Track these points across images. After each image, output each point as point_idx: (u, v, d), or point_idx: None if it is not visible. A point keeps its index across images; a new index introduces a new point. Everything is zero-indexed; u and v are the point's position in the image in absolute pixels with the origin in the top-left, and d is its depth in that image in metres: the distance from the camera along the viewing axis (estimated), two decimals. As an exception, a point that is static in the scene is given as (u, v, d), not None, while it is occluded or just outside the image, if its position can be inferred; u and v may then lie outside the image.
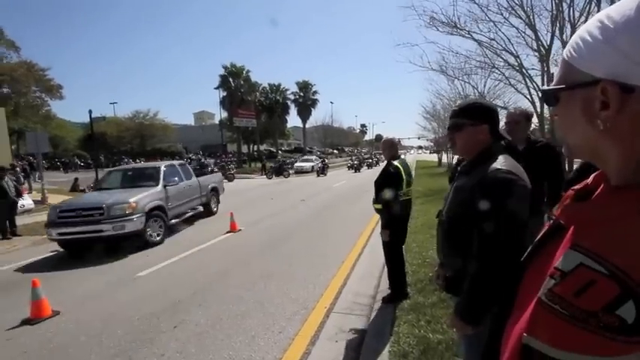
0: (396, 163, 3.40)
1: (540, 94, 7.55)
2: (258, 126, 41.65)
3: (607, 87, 0.44)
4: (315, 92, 49.04)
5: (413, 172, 3.62)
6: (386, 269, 3.70)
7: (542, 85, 7.55)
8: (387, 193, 3.37)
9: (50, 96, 32.08)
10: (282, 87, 47.23)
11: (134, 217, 6.05)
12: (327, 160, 27.90)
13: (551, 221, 0.58)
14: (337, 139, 62.74)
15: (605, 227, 0.45)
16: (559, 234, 0.53)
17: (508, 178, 1.29)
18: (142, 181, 7.35)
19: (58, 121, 37.57)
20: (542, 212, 2.61)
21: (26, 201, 10.49)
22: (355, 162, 27.19)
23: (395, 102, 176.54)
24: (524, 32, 7.54)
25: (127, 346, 3.02)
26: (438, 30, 8.09)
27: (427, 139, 36.45)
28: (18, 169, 13.95)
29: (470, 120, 1.44)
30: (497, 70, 8.91)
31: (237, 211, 7.85)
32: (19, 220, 8.54)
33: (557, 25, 6.95)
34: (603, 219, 0.46)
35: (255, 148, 45.81)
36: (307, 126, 51.59)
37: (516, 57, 7.85)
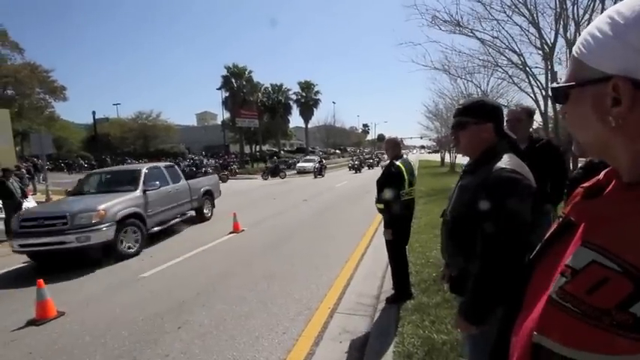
0: (398, 162, 3.39)
1: (544, 92, 7.51)
2: (261, 126, 41.71)
3: (618, 83, 0.43)
4: (317, 92, 49.06)
5: (416, 172, 3.60)
6: (389, 269, 3.69)
7: (547, 83, 7.51)
8: (387, 193, 3.36)
9: (54, 97, 32.34)
10: (284, 87, 47.29)
11: (102, 226, 5.44)
12: (324, 161, 26.89)
13: (560, 219, 0.57)
14: (339, 139, 62.71)
15: (617, 224, 0.45)
16: (569, 232, 0.52)
17: (513, 177, 1.28)
18: (120, 186, 6.73)
19: (61, 122, 37.82)
20: (547, 211, 2.59)
21: (30, 203, 10.56)
22: (356, 162, 26.58)
23: (397, 101, 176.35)
24: (527, 30, 7.50)
25: (132, 346, 3.03)
26: (440, 29, 8.06)
27: (430, 139, 36.30)
28: (23, 170, 14.05)
29: (474, 118, 1.43)
30: (500, 69, 8.87)
31: (239, 211, 7.85)
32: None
33: (561, 23, 6.90)
34: (615, 215, 0.46)
35: (258, 148, 45.88)
36: (309, 126, 51.60)
37: (520, 55, 7.81)
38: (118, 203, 5.92)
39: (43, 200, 12.05)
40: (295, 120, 53.25)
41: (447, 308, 3.05)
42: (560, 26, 6.95)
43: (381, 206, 3.41)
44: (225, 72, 39.76)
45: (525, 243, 1.30)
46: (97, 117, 18.23)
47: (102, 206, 5.63)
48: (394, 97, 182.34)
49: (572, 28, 6.82)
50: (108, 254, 5.51)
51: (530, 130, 3.03)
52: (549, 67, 7.33)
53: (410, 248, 3.98)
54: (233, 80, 40.16)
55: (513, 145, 1.46)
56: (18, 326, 3.49)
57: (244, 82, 40.80)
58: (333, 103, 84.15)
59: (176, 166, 8.51)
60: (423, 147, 75.57)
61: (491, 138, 1.43)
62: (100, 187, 7.14)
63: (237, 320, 3.41)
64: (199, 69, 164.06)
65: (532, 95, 8.06)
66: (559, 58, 7.45)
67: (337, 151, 58.14)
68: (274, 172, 22.79)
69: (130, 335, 3.22)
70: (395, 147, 3.50)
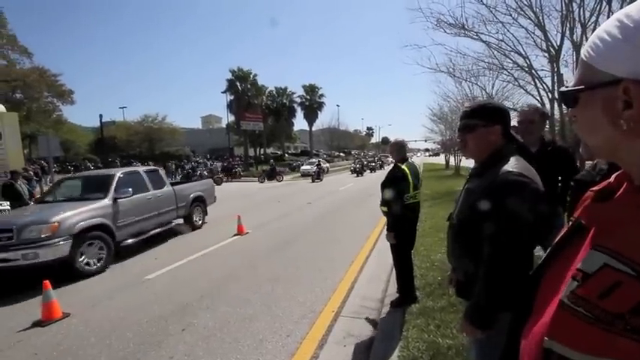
0: (403, 165, 3.37)
1: (550, 95, 7.46)
2: (265, 129, 41.92)
3: (629, 86, 0.43)
4: (321, 95, 49.27)
5: (421, 175, 3.59)
6: (394, 273, 3.67)
7: (553, 85, 7.46)
8: (387, 194, 3.35)
9: (61, 101, 32.69)
10: (288, 90, 47.60)
11: (55, 241, 4.75)
12: (327, 164, 25.98)
13: (570, 223, 0.56)
14: (344, 142, 62.79)
15: (629, 227, 0.44)
16: (579, 235, 0.52)
17: (520, 181, 1.26)
18: (88, 193, 6.10)
19: (69, 125, 38.24)
20: (558, 214, 2.55)
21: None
22: (357, 166, 26.07)
23: (401, 105, 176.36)
24: (533, 33, 7.47)
25: (136, 348, 3.04)
26: (445, 32, 8.06)
27: (434, 142, 36.13)
28: (31, 172, 14.22)
29: (482, 121, 1.42)
30: (505, 72, 8.83)
31: (243, 214, 7.87)
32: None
33: (567, 25, 6.87)
34: (627, 219, 0.45)
35: (262, 151, 46.06)
36: (314, 129, 51.79)
37: (525, 58, 7.78)
38: (79, 214, 5.20)
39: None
40: (299, 123, 53.50)
41: (452, 312, 3.02)
42: (567, 29, 6.92)
43: (386, 209, 3.39)
44: (230, 75, 40.15)
45: (532, 247, 1.28)
46: (103, 120, 18.44)
47: (56, 218, 4.91)
48: (398, 100, 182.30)
49: (578, 30, 6.78)
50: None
51: (543, 132, 2.94)
52: (555, 69, 7.29)
53: (415, 252, 3.96)
54: (238, 83, 40.47)
55: (521, 148, 1.44)
56: (24, 327, 3.51)
57: (249, 86, 41.11)
58: (338, 106, 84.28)
59: (160, 171, 7.68)
60: (427, 150, 75.37)
61: (498, 141, 1.42)
62: (67, 194, 6.37)
63: (241, 323, 3.40)
64: (204, 72, 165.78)
65: (538, 98, 8.02)
66: (565, 61, 7.41)
67: (341, 154, 58.16)
68: (270, 175, 22.62)
69: (134, 337, 3.23)
70: (400, 150, 3.49)
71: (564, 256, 0.53)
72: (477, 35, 7.90)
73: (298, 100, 48.27)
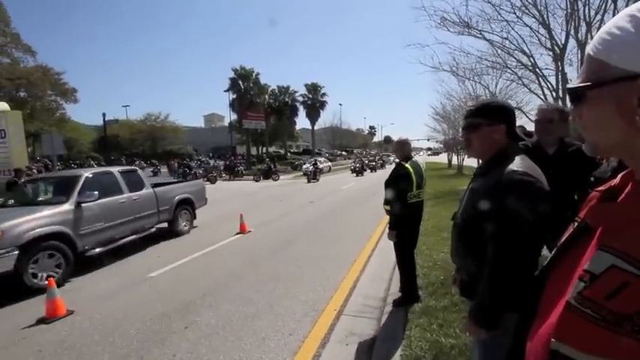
0: (406, 164, 3.36)
1: (555, 94, 7.40)
2: (267, 128, 41.96)
3: None
4: (323, 94, 49.22)
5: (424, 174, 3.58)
6: (396, 272, 3.67)
7: (557, 84, 7.41)
8: (390, 193, 3.35)
9: (65, 99, 32.86)
10: (290, 89, 47.57)
11: None
12: (321, 163, 24.37)
13: (575, 224, 0.56)
14: (346, 141, 62.78)
15: (636, 227, 0.43)
16: (585, 236, 0.51)
17: (524, 180, 1.25)
18: (49, 197, 5.60)
19: (72, 123, 38.42)
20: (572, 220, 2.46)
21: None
22: (357, 165, 25.38)
23: (404, 103, 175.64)
24: (537, 31, 7.42)
25: (139, 345, 3.05)
26: (449, 30, 8.02)
27: (437, 141, 36.03)
28: (35, 170, 14.31)
29: (487, 120, 1.41)
30: (509, 70, 8.78)
31: (245, 212, 7.88)
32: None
33: (572, 23, 6.82)
34: (634, 219, 0.45)
35: (264, 150, 46.11)
36: (316, 128, 51.76)
37: (530, 56, 7.73)
38: (30, 221, 4.52)
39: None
40: (302, 122, 53.63)
41: (454, 312, 3.02)
42: (572, 27, 6.87)
43: (389, 208, 3.39)
44: (232, 74, 40.21)
45: (537, 247, 1.28)
46: (106, 118, 18.52)
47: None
48: (401, 99, 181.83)
49: (583, 28, 6.73)
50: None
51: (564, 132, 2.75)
52: (560, 68, 7.24)
53: (417, 251, 3.95)
54: (240, 82, 40.53)
55: (536, 148, 1.43)
56: (28, 324, 3.53)
57: (251, 84, 41.16)
58: (340, 104, 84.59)
59: (139, 171, 6.98)
60: (429, 149, 75.17)
61: (503, 140, 1.41)
62: (26, 197, 5.70)
63: (243, 321, 3.41)
64: (207, 71, 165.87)
65: (542, 97, 7.97)
66: (570, 59, 7.36)
67: (343, 152, 58.14)
68: (266, 174, 22.29)
69: (137, 334, 3.25)
70: (404, 148, 3.48)
71: (570, 257, 0.52)
72: (480, 34, 7.86)
73: (300, 98, 48.29)
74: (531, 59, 7.75)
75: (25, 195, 5.79)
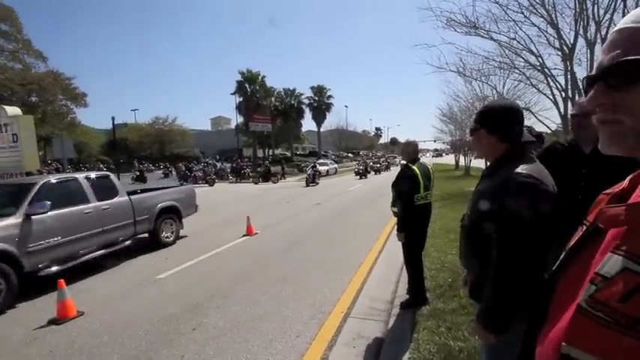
0: (412, 166, 3.35)
1: (564, 94, 7.30)
2: (274, 130, 42.13)
3: None
4: (329, 96, 49.28)
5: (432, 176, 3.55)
6: (403, 274, 3.65)
7: (566, 84, 7.32)
8: (395, 195, 3.34)
9: (75, 104, 33.44)
10: (296, 91, 47.73)
11: None
12: (318, 166, 23.37)
13: (585, 227, 0.55)
14: (352, 143, 62.67)
15: None
16: (595, 239, 0.50)
17: (526, 182, 1.25)
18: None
19: (82, 127, 39.08)
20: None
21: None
22: (361, 167, 24.54)
23: (410, 105, 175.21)
24: (545, 31, 7.36)
25: (148, 347, 3.08)
26: (455, 31, 7.99)
27: (443, 142, 35.78)
28: (46, 174, 14.56)
29: (476, 124, 1.47)
30: (517, 70, 8.70)
31: (251, 214, 7.91)
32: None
33: (581, 23, 6.74)
34: None
35: (271, 152, 46.29)
36: (322, 130, 51.82)
37: (538, 56, 7.66)
38: None
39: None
40: (308, 124, 53.60)
41: (463, 314, 2.99)
42: (580, 26, 6.79)
43: (396, 209, 3.38)
44: (239, 77, 40.52)
45: (545, 250, 1.26)
46: (115, 122, 18.81)
47: None
48: (408, 100, 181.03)
49: (592, 28, 6.65)
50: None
51: None
52: (569, 68, 7.16)
53: (425, 253, 3.93)
54: (247, 85, 40.81)
55: (571, 147, 1.41)
56: (39, 325, 3.59)
57: (258, 87, 41.40)
58: (346, 106, 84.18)
59: (112, 177, 6.15)
60: (436, 150, 74.67)
61: (491, 143, 1.43)
62: None
63: (250, 323, 3.42)
64: (213, 74, 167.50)
65: (551, 97, 7.89)
66: (579, 59, 7.28)
67: (350, 154, 58.07)
68: (265, 176, 22.12)
69: (146, 335, 3.28)
70: (412, 150, 3.47)
71: (581, 259, 0.51)
72: (488, 34, 7.82)
73: (306, 101, 48.41)
74: (539, 59, 7.68)
75: None
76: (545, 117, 8.95)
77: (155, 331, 3.36)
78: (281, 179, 23.35)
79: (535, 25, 7.37)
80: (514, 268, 1.22)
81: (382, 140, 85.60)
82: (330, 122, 53.02)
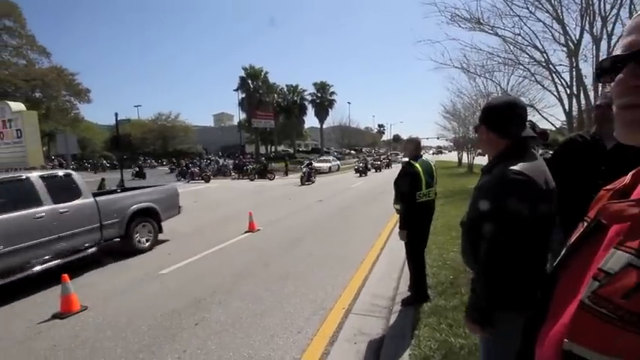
0: (414, 162, 3.34)
1: (569, 91, 7.23)
2: (276, 127, 42.14)
3: None
4: (332, 93, 49.18)
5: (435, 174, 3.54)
6: (405, 271, 3.65)
7: (571, 81, 7.25)
8: (397, 192, 3.33)
9: (79, 99, 33.57)
10: (299, 88, 47.66)
11: None
12: (314, 163, 22.50)
13: (586, 223, 0.55)
14: (355, 140, 62.57)
15: None
16: (597, 235, 0.50)
17: (515, 179, 1.25)
18: None
19: (86, 123, 39.28)
20: None
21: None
22: (361, 165, 23.93)
23: (414, 102, 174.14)
24: (551, 27, 7.27)
25: (151, 341, 3.11)
26: (460, 26, 7.91)
27: (447, 139, 35.62)
28: (49, 169, 14.64)
29: (479, 121, 1.49)
30: (522, 67, 8.62)
31: (253, 211, 7.93)
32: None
33: (587, 18, 6.66)
34: None
35: (273, 149, 46.31)
36: (324, 126, 51.75)
37: (543, 52, 7.58)
38: None
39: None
40: (310, 120, 53.68)
41: (464, 311, 2.98)
42: (586, 22, 6.71)
43: (399, 207, 3.37)
44: (242, 73, 40.50)
45: (533, 246, 1.26)
46: (119, 118, 18.89)
47: None
48: (411, 97, 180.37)
49: (598, 23, 6.57)
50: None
51: None
52: (574, 64, 7.08)
53: (427, 250, 3.93)
54: (249, 81, 40.80)
55: (593, 142, 1.40)
56: (43, 319, 3.62)
57: (260, 83, 41.38)
58: (349, 103, 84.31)
59: (74, 176, 5.40)
60: (439, 147, 74.36)
61: (491, 140, 1.43)
62: None
63: (252, 318, 3.44)
64: (216, 71, 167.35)
65: (556, 94, 7.82)
66: (585, 55, 7.20)
67: (352, 151, 57.98)
68: (261, 173, 22.01)
69: (149, 330, 3.31)
70: (414, 147, 3.45)
71: (583, 256, 0.51)
72: (492, 29, 7.73)
73: (309, 97, 48.33)
74: (544, 55, 7.60)
75: None
76: (549, 114, 8.91)
77: (158, 325, 3.39)
78: (285, 176, 23.25)
79: (540, 21, 7.28)
80: (498, 262, 1.25)
81: (385, 137, 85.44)
82: (332, 119, 53.01)
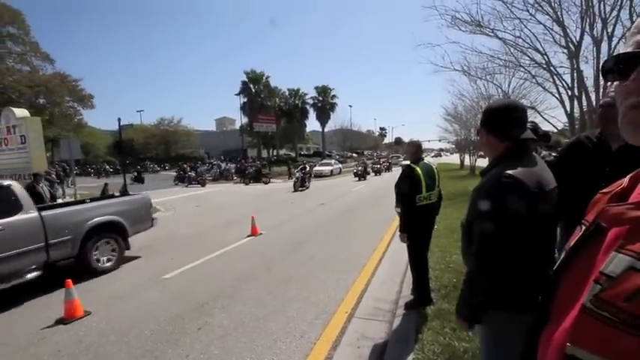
0: (415, 166, 3.33)
1: (570, 92, 7.22)
2: (278, 131, 42.19)
3: None
4: (333, 96, 49.30)
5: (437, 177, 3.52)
6: (407, 274, 3.64)
7: (572, 82, 7.24)
8: (397, 195, 3.33)
9: (82, 105, 33.74)
10: (301, 92, 47.82)
11: None
12: (309, 167, 21.13)
13: (585, 226, 0.55)
14: (356, 143, 62.52)
15: None
16: (596, 238, 0.50)
17: (505, 182, 1.25)
18: None
19: (89, 129, 39.49)
20: None
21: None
22: (359, 168, 23.23)
23: (415, 105, 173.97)
24: (551, 29, 7.28)
25: (154, 346, 3.10)
26: (460, 29, 7.94)
27: (448, 142, 35.54)
28: (53, 175, 14.73)
29: (480, 125, 1.50)
30: (522, 69, 8.63)
31: (255, 215, 7.93)
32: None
33: (587, 20, 6.67)
34: None
35: (275, 152, 46.39)
36: (326, 130, 51.84)
37: (544, 54, 7.58)
38: None
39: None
40: (312, 124, 53.64)
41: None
42: (587, 24, 6.72)
43: (399, 210, 3.37)
44: (244, 77, 40.70)
45: (524, 248, 1.26)
46: (121, 123, 19.01)
47: None
48: (412, 100, 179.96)
49: (598, 25, 6.57)
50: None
51: None
52: (575, 66, 7.08)
53: (429, 253, 3.91)
54: (251, 85, 41.00)
55: (599, 143, 1.40)
56: (47, 324, 3.63)
57: (262, 87, 41.57)
58: (350, 106, 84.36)
59: (14, 187, 4.58)
60: (441, 150, 74.11)
61: (491, 142, 1.44)
62: None
63: (255, 323, 3.43)
64: (218, 75, 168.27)
65: (557, 95, 7.81)
66: (585, 57, 7.19)
67: (354, 154, 57.94)
68: (256, 177, 21.93)
69: (152, 335, 3.30)
70: (415, 149, 3.45)
71: (583, 259, 0.51)
72: (492, 32, 7.75)
73: (310, 101, 48.47)
74: (545, 57, 7.61)
75: None
76: (551, 116, 8.86)
77: (161, 330, 3.39)
78: (288, 179, 23.19)
79: (541, 23, 7.30)
80: (486, 261, 1.27)
81: (386, 140, 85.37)
82: (334, 122, 53.05)
